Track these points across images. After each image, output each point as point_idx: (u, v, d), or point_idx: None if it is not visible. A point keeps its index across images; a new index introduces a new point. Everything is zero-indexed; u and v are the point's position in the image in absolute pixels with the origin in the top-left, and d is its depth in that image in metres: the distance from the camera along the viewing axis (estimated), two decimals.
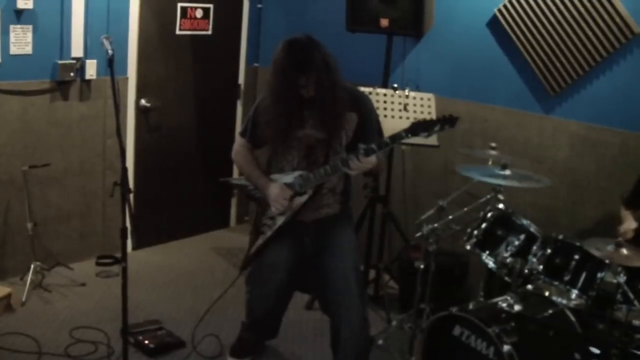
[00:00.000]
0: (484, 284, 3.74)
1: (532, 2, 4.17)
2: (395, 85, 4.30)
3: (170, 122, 5.23)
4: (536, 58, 4.22)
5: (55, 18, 4.37)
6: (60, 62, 4.42)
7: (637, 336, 3.04)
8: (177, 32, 5.11)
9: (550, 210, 4.26)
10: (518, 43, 4.27)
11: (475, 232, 3.60)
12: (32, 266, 4.31)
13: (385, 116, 4.17)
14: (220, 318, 4.13)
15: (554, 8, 4.10)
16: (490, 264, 3.54)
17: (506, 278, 3.48)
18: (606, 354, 3.01)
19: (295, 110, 3.22)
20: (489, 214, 3.60)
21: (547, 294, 3.40)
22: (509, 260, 3.43)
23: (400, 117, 4.20)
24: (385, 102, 4.23)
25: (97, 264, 4.73)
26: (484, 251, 3.56)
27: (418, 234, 3.71)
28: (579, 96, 4.15)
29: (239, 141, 3.54)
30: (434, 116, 4.18)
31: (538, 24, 4.17)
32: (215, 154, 5.50)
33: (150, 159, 5.16)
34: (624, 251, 3.04)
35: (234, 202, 5.88)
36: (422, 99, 4.25)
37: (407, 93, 4.26)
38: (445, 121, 3.02)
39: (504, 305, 3.28)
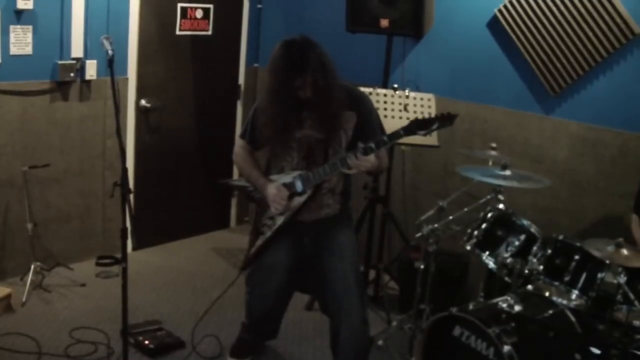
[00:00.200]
0: (484, 284, 3.74)
1: (532, 3, 4.17)
2: (396, 86, 4.30)
3: (170, 122, 5.23)
4: (536, 58, 4.22)
5: (55, 18, 4.37)
6: (60, 62, 4.42)
7: (637, 337, 3.04)
8: (177, 32, 5.11)
9: (550, 210, 4.26)
10: (518, 43, 4.27)
11: (476, 232, 3.60)
12: (32, 267, 4.31)
13: (386, 116, 4.17)
14: (220, 318, 4.13)
15: (554, 8, 4.10)
16: (491, 264, 3.54)
17: (506, 278, 3.48)
18: (606, 354, 3.01)
19: (293, 111, 3.22)
20: (489, 215, 3.60)
21: (547, 294, 3.41)
22: (509, 260, 3.43)
23: (401, 118, 4.20)
24: (385, 102, 4.23)
25: (97, 264, 4.70)
26: (484, 251, 3.56)
27: (418, 235, 3.71)
28: (579, 97, 4.15)
29: (238, 143, 3.54)
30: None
31: (538, 24, 4.17)
32: (215, 154, 5.51)
33: (150, 160, 5.16)
34: (624, 252, 3.04)
35: (234, 202, 5.88)
36: (422, 99, 4.25)
37: (407, 93, 4.26)
38: (444, 119, 3.02)
39: (504, 305, 3.28)
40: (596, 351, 3.05)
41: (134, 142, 5.03)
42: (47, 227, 4.58)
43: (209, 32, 5.31)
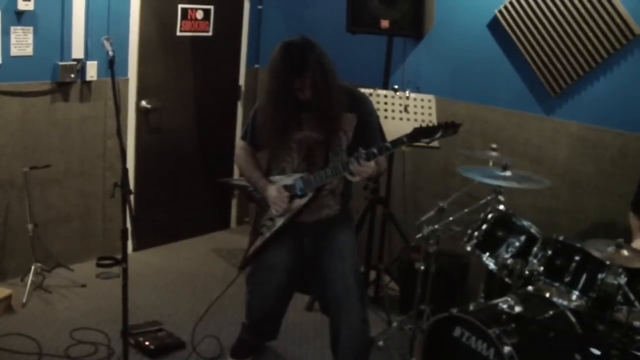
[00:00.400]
0: (484, 285, 3.74)
1: (532, 3, 4.17)
2: (396, 87, 4.30)
3: (170, 123, 5.23)
4: (536, 59, 4.23)
5: (56, 19, 4.37)
6: (60, 63, 4.42)
7: (637, 337, 3.04)
8: (178, 33, 5.11)
9: (550, 211, 4.26)
10: (518, 44, 4.28)
11: (476, 233, 3.60)
12: (33, 267, 4.31)
13: (386, 117, 4.17)
14: (220, 319, 4.13)
15: (554, 9, 4.10)
16: (491, 265, 3.54)
17: (507, 279, 3.47)
18: (607, 355, 3.01)
19: (292, 112, 3.22)
20: (490, 215, 3.60)
21: (547, 295, 3.41)
22: (509, 261, 3.43)
23: (401, 119, 4.20)
24: (385, 103, 4.23)
25: (98, 265, 4.72)
26: (485, 252, 3.56)
27: (418, 235, 3.71)
28: (579, 97, 4.15)
29: (239, 144, 3.54)
30: (434, 117, 4.18)
31: (539, 25, 4.17)
32: (215, 155, 5.51)
33: (150, 160, 5.16)
34: (625, 252, 3.04)
35: (234, 203, 5.88)
36: (422, 100, 4.25)
37: (407, 94, 4.26)
38: (447, 128, 3.02)
39: (505, 306, 3.28)
40: (596, 352, 3.05)
41: (135, 143, 5.03)
42: (47, 227, 4.58)
43: (210, 33, 5.31)
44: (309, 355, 3.95)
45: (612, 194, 4.00)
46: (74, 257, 4.74)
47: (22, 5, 4.14)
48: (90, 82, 4.61)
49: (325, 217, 3.41)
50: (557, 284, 3.35)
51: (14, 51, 4.21)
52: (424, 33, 4.37)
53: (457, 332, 3.31)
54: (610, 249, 3.06)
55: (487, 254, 3.55)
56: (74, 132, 4.62)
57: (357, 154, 3.07)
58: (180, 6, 5.06)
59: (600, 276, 3.25)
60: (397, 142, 3.06)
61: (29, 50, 4.27)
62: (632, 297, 3.05)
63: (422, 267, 3.70)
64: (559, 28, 4.11)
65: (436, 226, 3.65)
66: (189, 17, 5.14)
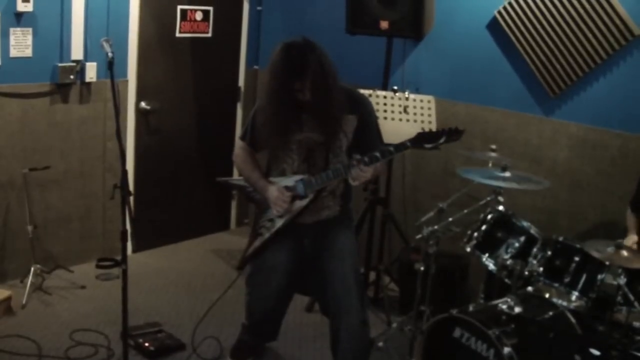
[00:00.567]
0: (484, 286, 3.74)
1: (532, 4, 4.17)
2: (395, 88, 4.30)
3: (170, 124, 5.23)
4: (536, 60, 4.23)
5: (55, 21, 4.37)
6: (60, 64, 4.42)
7: (637, 338, 3.04)
8: (177, 34, 5.11)
9: (550, 212, 4.26)
10: (518, 45, 4.28)
11: (476, 234, 3.60)
12: (32, 269, 4.31)
13: (385, 118, 4.17)
14: (220, 320, 4.13)
15: (554, 10, 4.10)
16: (491, 265, 3.54)
17: (506, 280, 3.48)
18: (606, 355, 3.01)
19: (293, 113, 3.22)
20: (489, 216, 3.60)
21: (547, 295, 3.41)
22: (509, 262, 3.43)
23: (400, 120, 4.20)
24: (385, 104, 4.23)
25: (97, 266, 4.67)
26: (484, 253, 3.56)
27: (418, 236, 3.71)
28: (578, 98, 4.15)
29: (239, 144, 3.54)
30: (433, 118, 4.18)
31: (538, 26, 4.17)
32: (215, 156, 5.51)
33: (150, 162, 5.16)
34: (624, 253, 3.04)
35: (234, 204, 5.88)
36: (422, 101, 4.25)
37: (407, 95, 4.25)
38: (451, 133, 3.03)
39: (504, 307, 3.28)
40: (596, 352, 3.05)
41: (134, 144, 5.03)
42: (47, 229, 4.58)
43: (209, 34, 5.31)
44: (309, 356, 3.95)
45: (611, 194, 4.00)
46: (73, 258, 4.73)
47: (21, 7, 4.14)
48: (89, 83, 4.61)
49: (325, 218, 3.41)
50: (556, 285, 3.35)
51: (13, 52, 4.21)
52: (424, 34, 4.37)
53: (457, 332, 3.31)
54: (610, 249, 3.07)
55: (487, 254, 3.55)
56: (73, 133, 4.62)
57: (359, 158, 3.07)
58: (179, 7, 5.06)
59: (599, 277, 3.25)
60: (401, 146, 3.06)
61: (28, 52, 4.27)
62: (631, 297, 3.05)
63: (422, 268, 3.70)
64: (558, 29, 4.11)
65: (436, 227, 3.65)
66: (188, 18, 5.14)
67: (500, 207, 3.61)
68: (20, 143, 4.37)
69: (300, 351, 3.99)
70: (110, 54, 3.10)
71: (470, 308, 3.38)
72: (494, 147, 3.85)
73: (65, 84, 4.49)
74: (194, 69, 5.30)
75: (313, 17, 5.27)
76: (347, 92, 3.26)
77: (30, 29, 4.25)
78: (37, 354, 3.68)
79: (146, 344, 3.81)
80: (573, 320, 3.32)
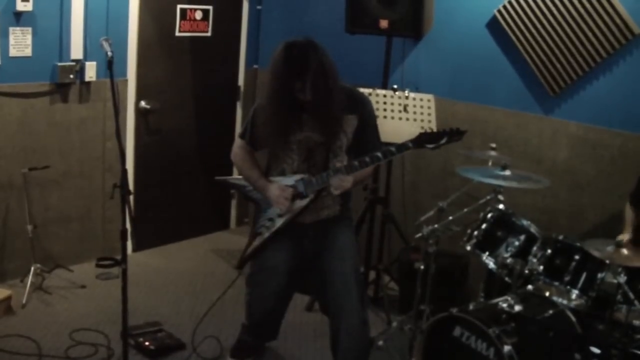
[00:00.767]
0: (484, 284, 3.74)
1: (532, 3, 4.17)
2: (395, 87, 4.30)
3: (170, 124, 5.23)
4: (536, 59, 4.22)
5: (55, 20, 4.37)
6: (59, 64, 4.42)
7: (637, 336, 3.04)
8: (177, 34, 5.11)
9: (550, 210, 4.26)
10: (518, 44, 4.28)
11: (475, 233, 3.60)
12: (32, 268, 4.31)
13: (385, 117, 4.17)
14: (220, 320, 4.13)
15: (553, 9, 4.10)
16: (491, 264, 3.54)
17: (506, 279, 3.48)
18: (606, 354, 3.01)
19: (293, 113, 3.22)
20: (489, 215, 3.60)
21: (547, 294, 3.40)
22: (509, 261, 3.44)
23: (400, 119, 4.20)
24: (385, 103, 4.23)
25: (97, 266, 4.70)
26: (484, 252, 3.56)
27: (418, 235, 3.70)
28: (578, 97, 4.15)
29: (238, 143, 3.53)
30: (433, 117, 4.18)
31: (538, 25, 4.17)
32: (215, 155, 5.50)
33: (150, 161, 5.16)
34: (624, 251, 3.04)
35: (233, 204, 5.88)
36: (421, 100, 4.25)
37: (406, 94, 4.25)
38: (453, 134, 3.03)
39: (504, 305, 3.28)
40: (596, 351, 3.05)
41: (134, 144, 5.03)
42: (47, 229, 4.58)
43: (209, 34, 5.31)
44: (309, 356, 3.95)
45: (611, 193, 4.00)
46: (73, 258, 4.73)
47: (20, 6, 4.14)
48: (89, 82, 4.60)
49: (325, 217, 3.41)
50: (556, 283, 3.35)
51: (13, 52, 4.20)
52: (423, 33, 4.36)
53: (457, 331, 3.31)
54: (610, 248, 3.07)
55: (487, 253, 3.55)
56: (73, 133, 4.62)
57: (360, 159, 3.07)
58: (179, 6, 5.06)
59: (599, 275, 3.25)
60: (402, 147, 3.06)
61: (27, 51, 4.27)
62: (631, 296, 3.05)
63: (422, 267, 3.70)
64: (558, 28, 4.11)
65: (436, 226, 3.65)
66: (188, 18, 5.14)
67: (500, 206, 3.61)
68: (20, 143, 4.37)
69: (300, 351, 3.99)
70: (109, 54, 3.10)
71: (470, 307, 3.39)
72: (493, 146, 3.85)
73: (64, 84, 4.49)
74: (194, 69, 5.30)
75: (313, 17, 5.27)
76: (347, 92, 3.26)
77: (29, 29, 4.25)
78: (37, 353, 3.68)
79: (146, 344, 3.81)
80: (573, 318, 3.32)
